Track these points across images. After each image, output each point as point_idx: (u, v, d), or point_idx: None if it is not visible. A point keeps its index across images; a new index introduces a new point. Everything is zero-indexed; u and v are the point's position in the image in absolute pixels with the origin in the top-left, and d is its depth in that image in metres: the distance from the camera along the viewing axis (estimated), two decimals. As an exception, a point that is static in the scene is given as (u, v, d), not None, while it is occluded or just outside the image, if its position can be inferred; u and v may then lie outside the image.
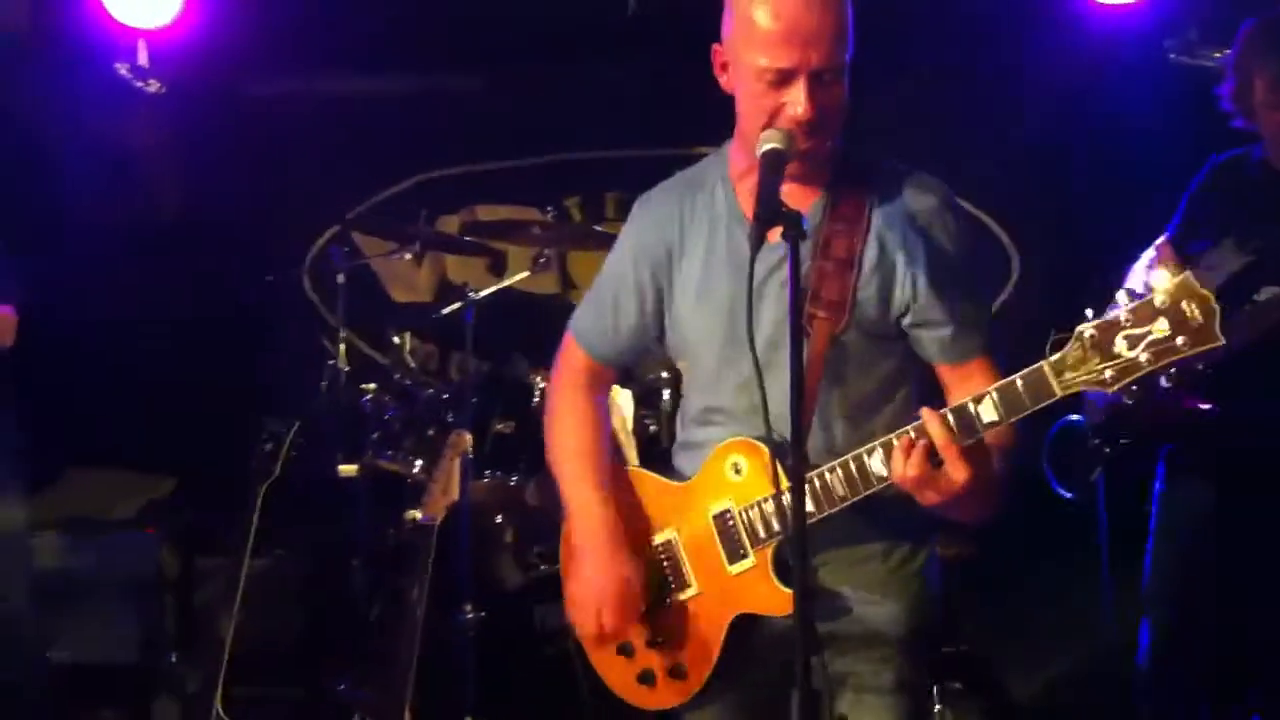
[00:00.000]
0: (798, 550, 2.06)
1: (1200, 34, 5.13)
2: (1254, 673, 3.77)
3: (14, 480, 4.49)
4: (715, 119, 6.18)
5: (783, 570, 2.47)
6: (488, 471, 4.59)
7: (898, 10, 4.77)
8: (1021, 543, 4.06)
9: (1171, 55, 5.13)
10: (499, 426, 4.62)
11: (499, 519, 4.65)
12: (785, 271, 2.42)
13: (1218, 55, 5.03)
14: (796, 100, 2.36)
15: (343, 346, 4.88)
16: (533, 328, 5.73)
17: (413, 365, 4.97)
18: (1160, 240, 3.91)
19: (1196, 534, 3.66)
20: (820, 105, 2.37)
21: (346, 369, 4.92)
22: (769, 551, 2.48)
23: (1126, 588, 3.83)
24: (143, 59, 5.79)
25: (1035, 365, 2.22)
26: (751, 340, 2.26)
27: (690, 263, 2.60)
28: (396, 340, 4.95)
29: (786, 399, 2.32)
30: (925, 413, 2.27)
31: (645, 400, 4.57)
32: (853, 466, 2.36)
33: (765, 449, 2.47)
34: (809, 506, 2.34)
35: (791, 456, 2.10)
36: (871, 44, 2.55)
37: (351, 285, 5.44)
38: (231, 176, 6.07)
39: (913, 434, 2.29)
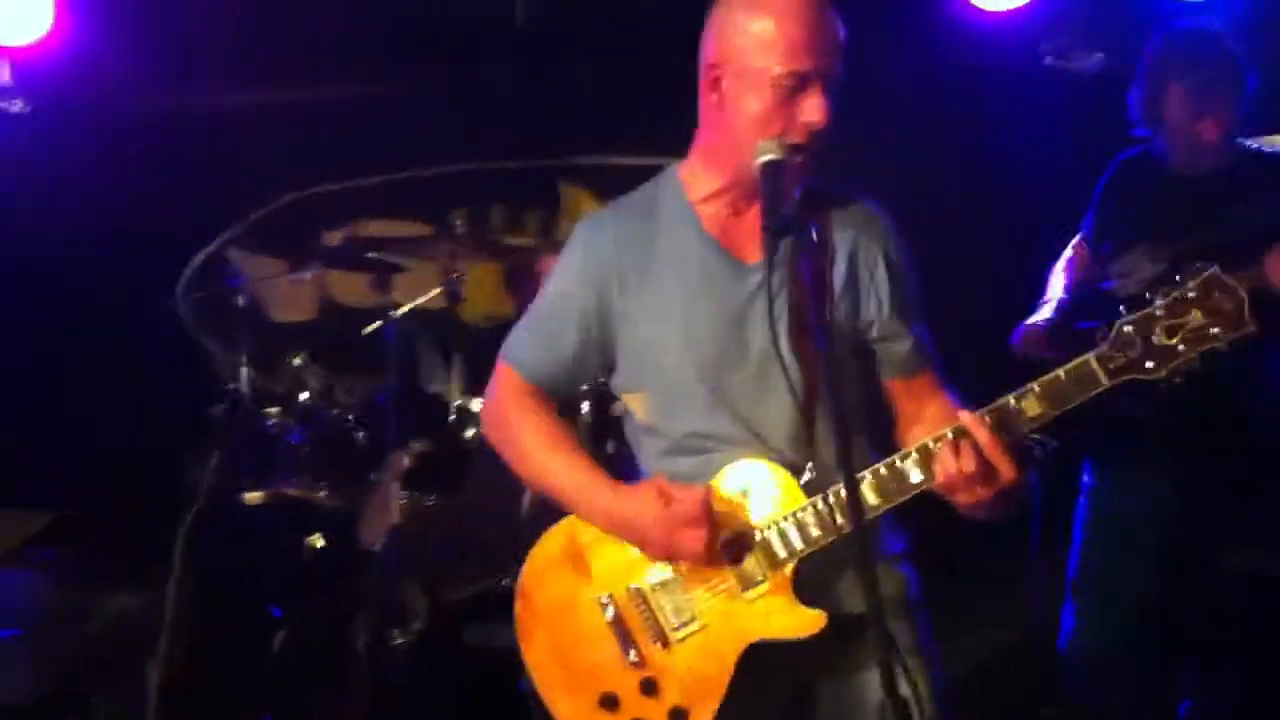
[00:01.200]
0: (863, 555, 2.10)
1: (1072, 38, 5.31)
2: (1185, 657, 3.92)
3: None
4: (601, 128, 6.21)
5: (802, 590, 2.47)
6: (405, 492, 4.52)
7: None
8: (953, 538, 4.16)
9: (1047, 59, 5.30)
10: (416, 446, 4.55)
11: (417, 540, 4.58)
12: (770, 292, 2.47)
13: (1090, 59, 5.23)
14: (814, 106, 2.41)
15: (244, 370, 4.74)
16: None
17: (315, 387, 4.86)
18: (1075, 240, 4.04)
19: (1127, 523, 3.79)
20: (829, 115, 2.42)
21: (249, 392, 4.79)
22: (788, 572, 2.48)
23: (1055, 577, 3.95)
24: (4, 77, 5.59)
25: (1081, 359, 2.33)
26: (781, 355, 2.30)
27: (657, 291, 2.57)
28: (298, 362, 4.84)
29: (786, 419, 2.38)
30: (965, 415, 2.33)
31: (562, 412, 4.54)
32: (885, 474, 2.39)
33: (780, 468, 2.48)
34: (838, 519, 2.38)
35: (840, 459, 2.17)
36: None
37: (227, 307, 5.33)
38: (101, 198, 5.88)
39: (951, 435, 2.34)
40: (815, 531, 2.45)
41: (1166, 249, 3.65)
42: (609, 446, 4.28)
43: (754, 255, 2.52)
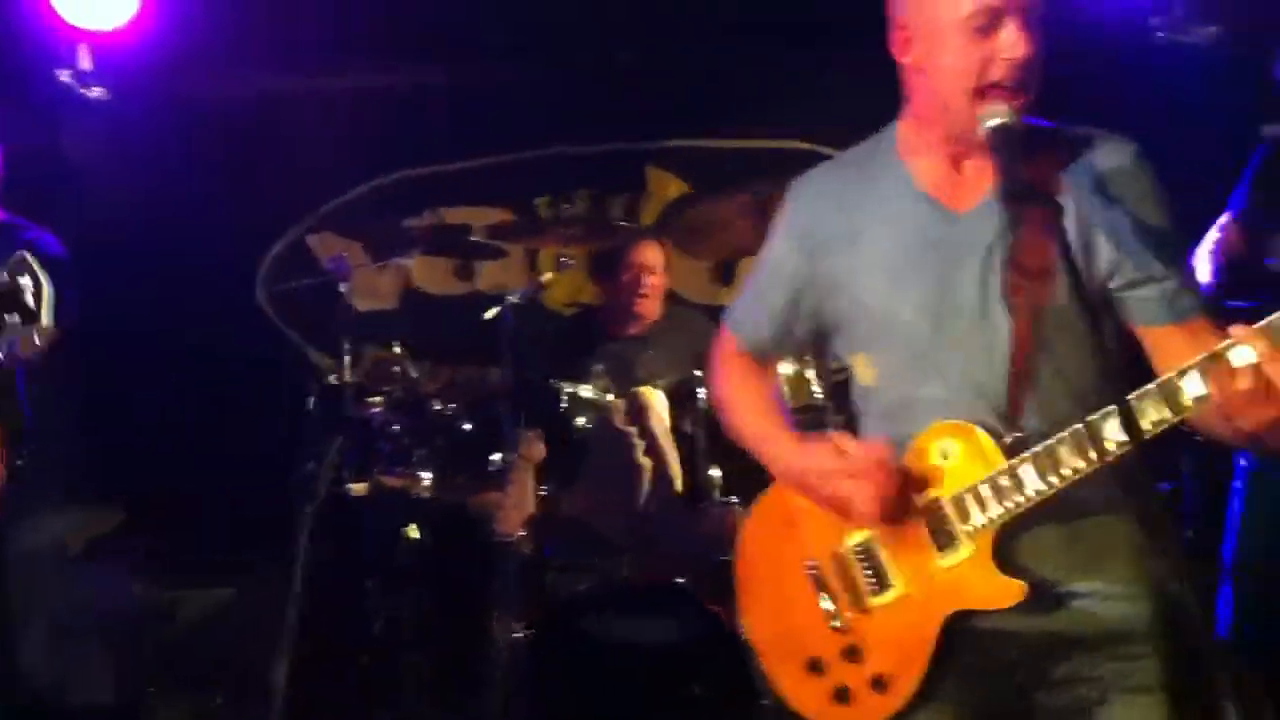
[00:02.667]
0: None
1: (1186, 10, 5.17)
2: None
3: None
4: (685, 111, 6.03)
5: (1003, 557, 2.33)
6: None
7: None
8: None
9: (1159, 34, 5.17)
10: (531, 435, 4.41)
11: (524, 532, 4.45)
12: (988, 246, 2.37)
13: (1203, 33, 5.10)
14: (1011, 42, 2.27)
15: (348, 359, 4.61)
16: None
17: (414, 375, 4.73)
18: (1224, 220, 3.90)
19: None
20: (1032, 47, 2.28)
21: (350, 381, 4.65)
22: (988, 538, 2.34)
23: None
24: (85, 63, 5.49)
25: None
26: (993, 310, 2.29)
27: (867, 250, 2.47)
28: (398, 350, 4.70)
29: (998, 378, 2.33)
30: (1237, 329, 2.10)
31: (679, 400, 4.42)
32: (1084, 434, 2.22)
33: (976, 429, 2.34)
34: (1038, 484, 2.27)
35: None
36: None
37: (306, 295, 5.25)
38: (179, 185, 5.79)
39: (1212, 356, 2.13)
40: (1014, 496, 2.29)
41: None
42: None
43: (966, 205, 2.40)
